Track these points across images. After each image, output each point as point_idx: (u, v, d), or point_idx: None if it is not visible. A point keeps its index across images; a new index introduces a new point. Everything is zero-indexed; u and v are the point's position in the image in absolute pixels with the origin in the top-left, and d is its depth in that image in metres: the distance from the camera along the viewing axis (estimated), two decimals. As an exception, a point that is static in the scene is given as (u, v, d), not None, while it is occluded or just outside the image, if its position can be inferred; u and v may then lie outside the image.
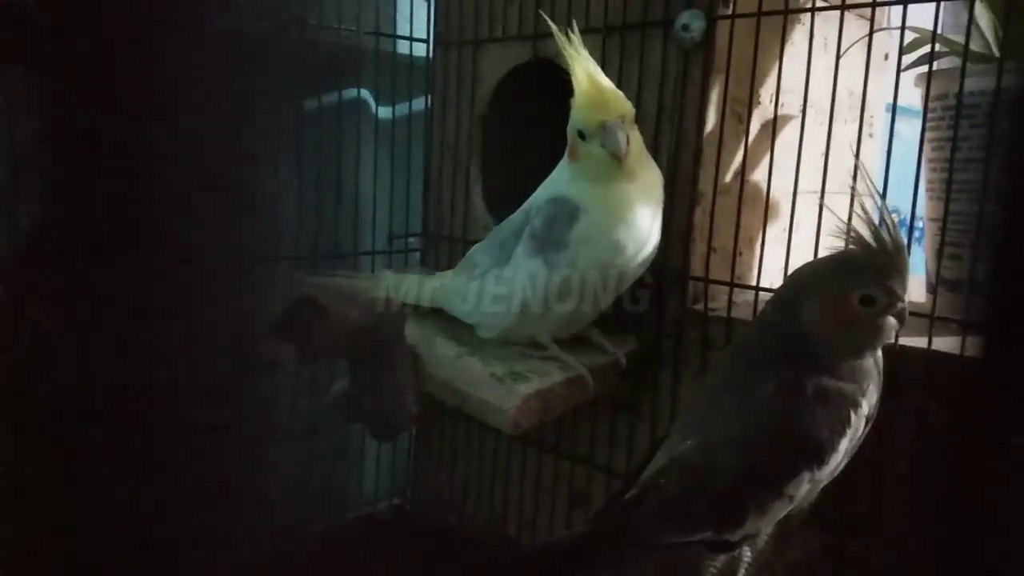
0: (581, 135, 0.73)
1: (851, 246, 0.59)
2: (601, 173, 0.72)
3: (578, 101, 0.72)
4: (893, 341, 0.66)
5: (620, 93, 0.72)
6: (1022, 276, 0.24)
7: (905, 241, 0.58)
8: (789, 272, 0.69)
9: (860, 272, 0.58)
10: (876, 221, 0.57)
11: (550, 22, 0.73)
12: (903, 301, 0.57)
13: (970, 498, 0.25)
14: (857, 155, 0.71)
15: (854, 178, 0.60)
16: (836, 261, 0.61)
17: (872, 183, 0.59)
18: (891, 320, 0.58)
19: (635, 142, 0.72)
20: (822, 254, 0.66)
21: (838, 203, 0.73)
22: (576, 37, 0.71)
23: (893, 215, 0.59)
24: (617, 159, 0.70)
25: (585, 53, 0.71)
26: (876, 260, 0.57)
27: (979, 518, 0.25)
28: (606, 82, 0.72)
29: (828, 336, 0.59)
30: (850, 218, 0.58)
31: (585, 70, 0.71)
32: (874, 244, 0.57)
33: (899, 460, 0.64)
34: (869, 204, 0.58)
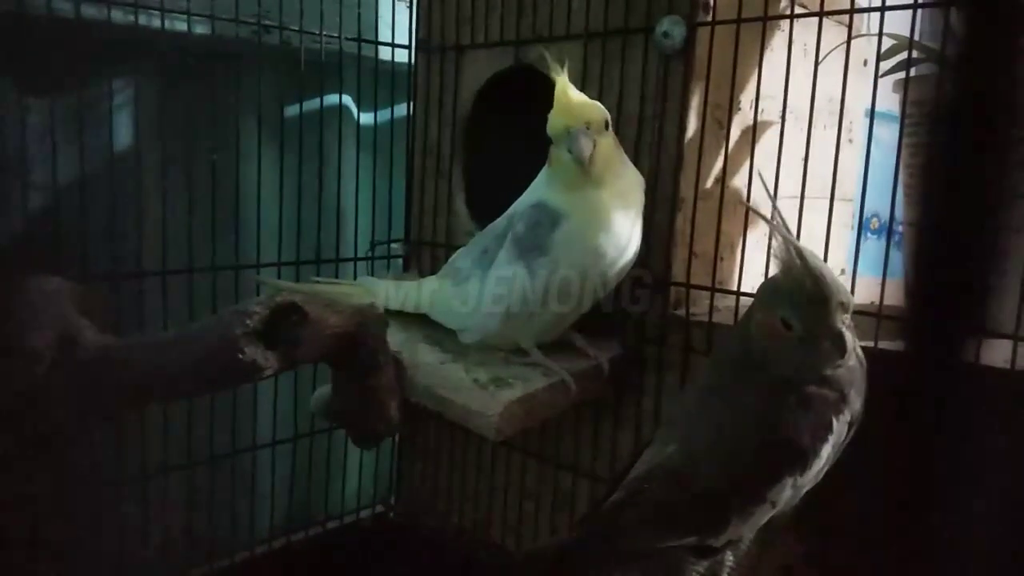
0: (552, 141, 0.74)
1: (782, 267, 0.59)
2: (569, 179, 0.73)
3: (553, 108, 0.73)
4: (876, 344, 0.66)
5: (591, 102, 0.73)
6: (934, 273, 0.24)
7: (825, 267, 0.57)
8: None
9: (780, 296, 0.58)
10: (794, 252, 0.56)
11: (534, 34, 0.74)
12: (833, 327, 0.56)
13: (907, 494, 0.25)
14: (836, 161, 0.71)
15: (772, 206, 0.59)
16: (774, 280, 0.61)
17: (780, 213, 0.59)
18: (827, 344, 0.56)
19: (605, 148, 0.73)
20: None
21: (818, 207, 0.74)
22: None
23: (875, 219, 0.59)
24: (581, 165, 0.71)
25: (556, 65, 0.73)
26: (789, 287, 0.58)
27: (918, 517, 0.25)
28: (574, 90, 0.72)
29: (765, 348, 0.60)
30: (769, 245, 0.58)
31: (559, 79, 0.72)
32: (790, 274, 0.57)
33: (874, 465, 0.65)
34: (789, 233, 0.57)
